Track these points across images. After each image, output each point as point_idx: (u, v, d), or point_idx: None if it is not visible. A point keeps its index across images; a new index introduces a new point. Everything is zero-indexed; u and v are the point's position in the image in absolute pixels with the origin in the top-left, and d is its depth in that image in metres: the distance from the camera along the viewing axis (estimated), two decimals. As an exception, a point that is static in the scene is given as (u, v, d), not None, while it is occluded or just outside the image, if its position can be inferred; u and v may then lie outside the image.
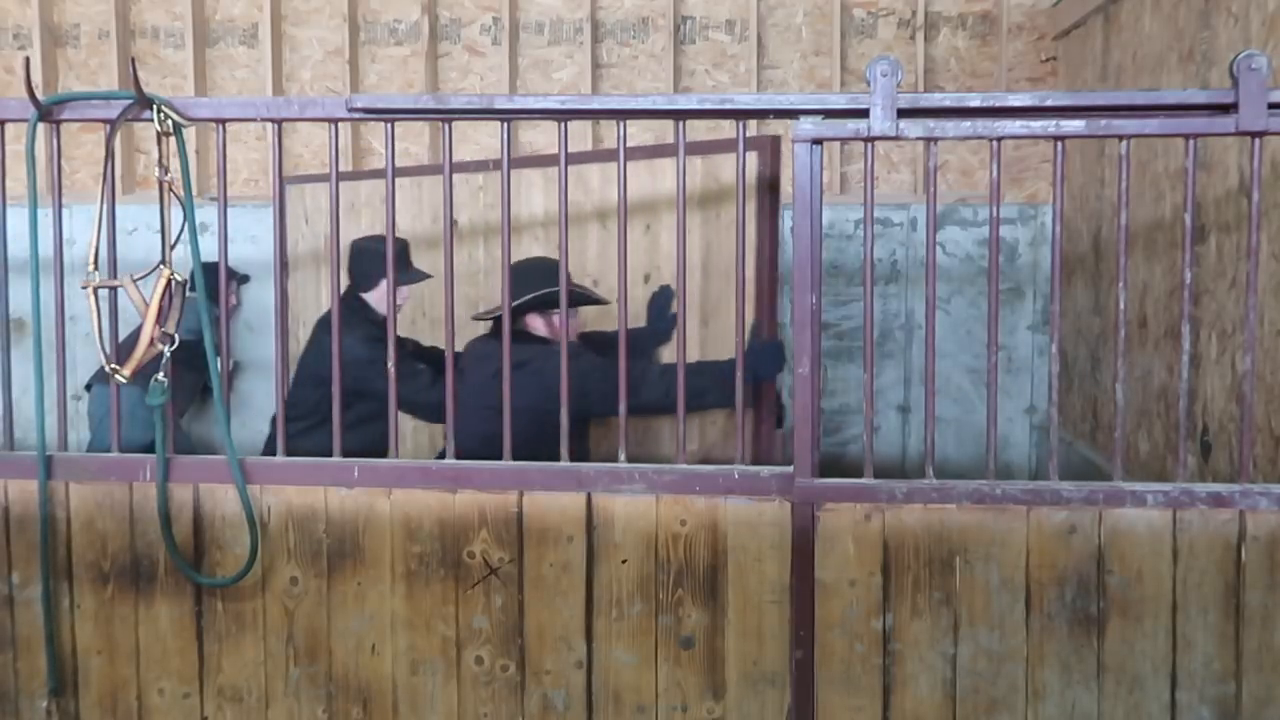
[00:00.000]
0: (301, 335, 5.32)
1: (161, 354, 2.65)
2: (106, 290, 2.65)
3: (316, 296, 5.29)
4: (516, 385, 2.73)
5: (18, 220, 2.87)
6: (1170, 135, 2.51)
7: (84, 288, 2.62)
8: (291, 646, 2.70)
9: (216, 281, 2.82)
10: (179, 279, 2.66)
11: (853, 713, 2.58)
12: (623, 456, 2.69)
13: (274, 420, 4.09)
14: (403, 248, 4.13)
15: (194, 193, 2.77)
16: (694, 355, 3.70)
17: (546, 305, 3.46)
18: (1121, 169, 2.53)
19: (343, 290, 3.61)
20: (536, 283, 3.39)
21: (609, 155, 3.88)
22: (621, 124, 2.62)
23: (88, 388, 5.67)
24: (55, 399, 2.79)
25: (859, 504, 2.56)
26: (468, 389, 3.13)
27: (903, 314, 6.18)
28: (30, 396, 2.65)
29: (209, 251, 2.74)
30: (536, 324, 3.53)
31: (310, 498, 2.68)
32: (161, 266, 2.64)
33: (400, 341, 3.63)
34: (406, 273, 4.10)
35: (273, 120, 2.69)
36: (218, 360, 2.72)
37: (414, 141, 6.38)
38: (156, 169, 2.65)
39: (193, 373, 2.76)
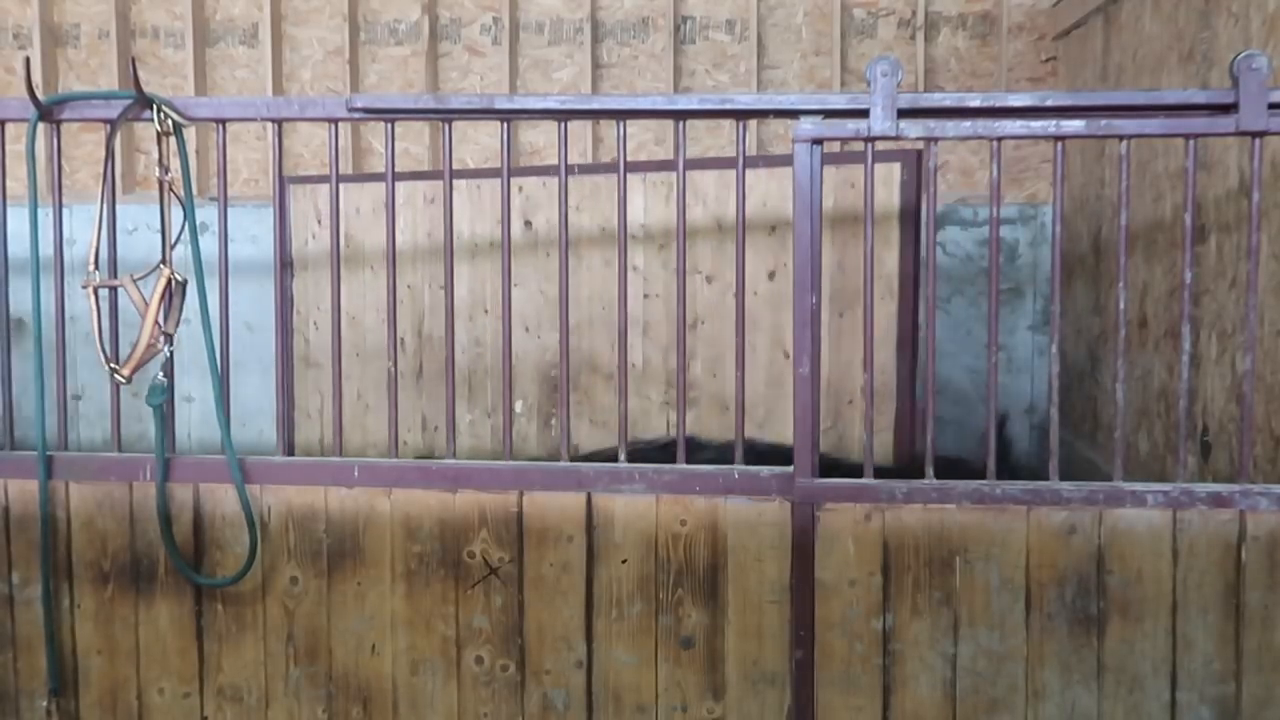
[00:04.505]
0: (309, 334, 5.31)
1: (161, 354, 2.65)
2: (106, 290, 2.65)
3: (360, 294, 5.35)
4: None
5: (18, 220, 2.87)
6: (1170, 135, 2.51)
7: (84, 288, 2.63)
8: (291, 646, 2.70)
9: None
10: (179, 279, 2.66)
11: (853, 713, 2.58)
12: (622, 456, 2.69)
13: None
14: None
15: (194, 192, 2.77)
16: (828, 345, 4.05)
17: None
18: (1121, 169, 2.53)
19: None
20: None
21: (729, 162, 4.24)
22: (621, 124, 2.63)
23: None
24: (55, 399, 2.79)
25: (859, 504, 2.56)
26: None
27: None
28: (30, 396, 2.64)
29: (209, 251, 2.73)
30: None
31: (310, 498, 2.68)
32: (161, 266, 2.64)
33: None
34: None
35: (273, 120, 2.69)
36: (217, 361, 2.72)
37: (414, 141, 6.38)
38: (156, 169, 2.66)
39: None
